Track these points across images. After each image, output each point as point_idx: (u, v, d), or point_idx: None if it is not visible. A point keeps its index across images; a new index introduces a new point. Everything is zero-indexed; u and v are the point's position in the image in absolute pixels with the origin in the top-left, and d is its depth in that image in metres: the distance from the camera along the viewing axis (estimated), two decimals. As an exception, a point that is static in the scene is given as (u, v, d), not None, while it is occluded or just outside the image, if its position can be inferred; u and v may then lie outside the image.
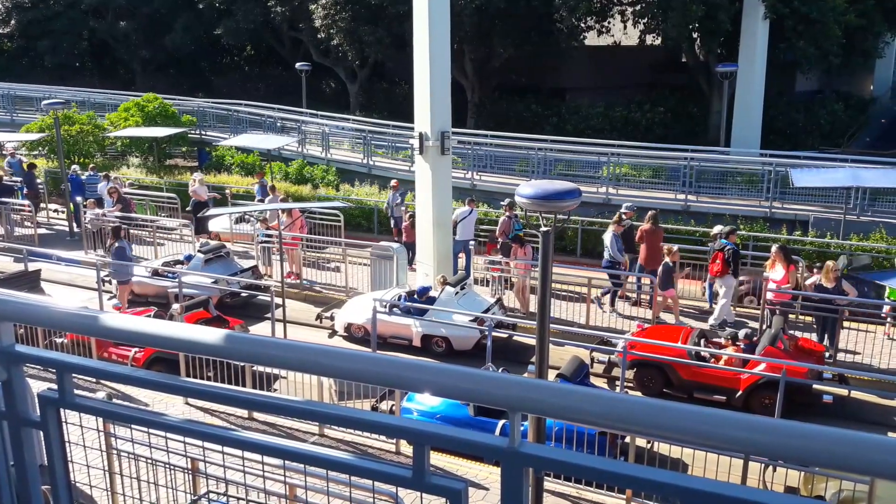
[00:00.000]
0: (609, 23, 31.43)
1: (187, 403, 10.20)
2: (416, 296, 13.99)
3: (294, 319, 14.32)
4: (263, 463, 2.05)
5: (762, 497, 1.40)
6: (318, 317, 14.79)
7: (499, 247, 16.80)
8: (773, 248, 13.89)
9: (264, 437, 1.69)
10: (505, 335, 13.28)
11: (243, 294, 15.25)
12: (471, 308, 13.55)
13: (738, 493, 1.42)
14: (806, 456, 1.42)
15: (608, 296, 14.97)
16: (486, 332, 11.50)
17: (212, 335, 1.74)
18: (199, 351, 1.83)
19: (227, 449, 2.43)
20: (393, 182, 20.13)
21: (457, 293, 13.75)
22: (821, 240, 17.36)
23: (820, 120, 29.04)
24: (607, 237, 15.16)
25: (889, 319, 13.76)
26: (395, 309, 13.68)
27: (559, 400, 1.48)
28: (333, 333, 14.43)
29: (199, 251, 16.02)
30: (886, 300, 13.69)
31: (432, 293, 13.96)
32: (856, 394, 11.43)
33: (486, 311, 13.48)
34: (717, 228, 15.32)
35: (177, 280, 14.49)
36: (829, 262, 13.17)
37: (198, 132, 30.09)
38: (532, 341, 13.31)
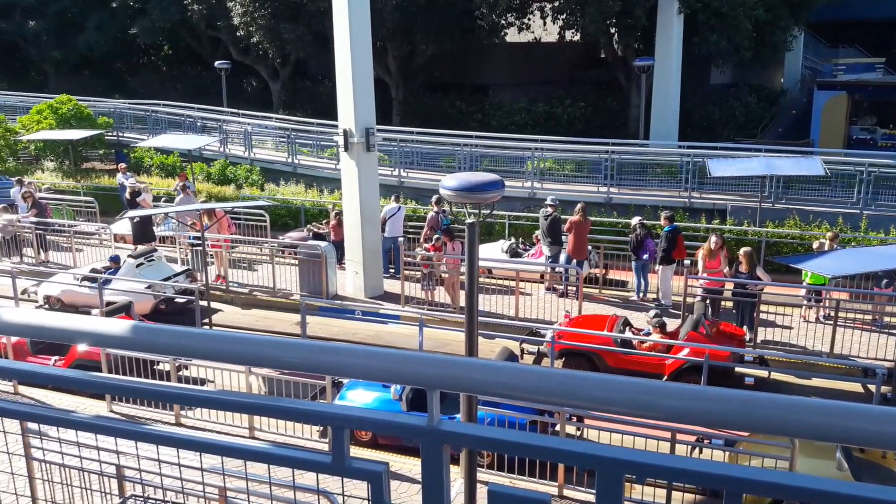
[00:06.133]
0: (529, 19, 31.80)
1: (112, 412, 9.89)
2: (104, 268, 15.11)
3: (221, 323, 14.06)
4: (181, 466, 2.00)
5: (682, 463, 1.46)
6: (25, 290, 15.26)
7: (427, 241, 16.83)
8: (713, 238, 14.21)
9: (182, 431, 1.66)
10: (183, 300, 14.81)
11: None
12: (154, 277, 14.76)
13: (659, 461, 1.47)
14: (737, 420, 1.48)
15: None
16: (161, 297, 13.92)
17: (139, 330, 1.68)
18: (126, 346, 1.74)
19: (151, 453, 2.37)
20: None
21: (139, 265, 14.93)
22: (738, 227, 18.04)
23: (735, 112, 30.12)
24: None
25: (805, 302, 14.39)
26: (85, 281, 14.74)
27: (477, 375, 1.51)
28: (40, 307, 14.93)
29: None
30: (803, 284, 14.31)
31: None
32: (775, 375, 11.93)
33: (168, 278, 14.93)
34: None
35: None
36: (745, 248, 13.70)
37: (115, 134, 29.10)
38: (216, 305, 14.57)
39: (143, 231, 17.83)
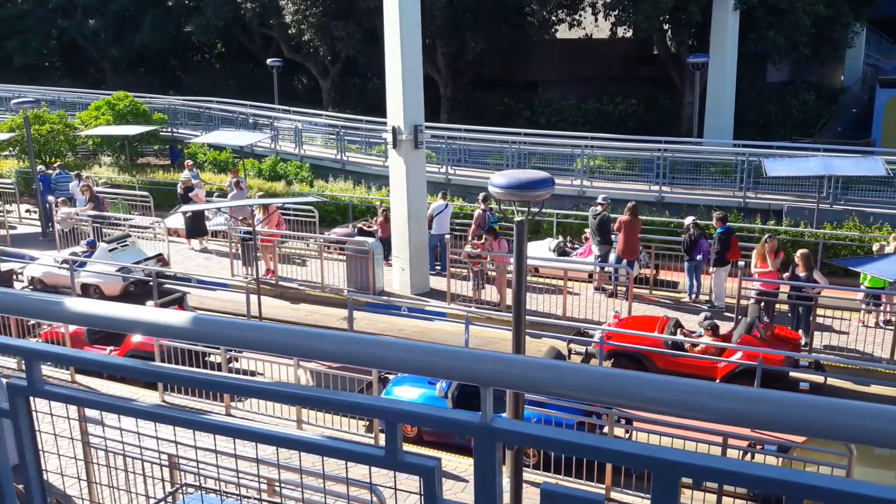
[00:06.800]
0: (580, 15, 31.53)
1: (163, 402, 10.11)
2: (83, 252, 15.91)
3: (271, 317, 14.28)
4: (237, 457, 2.02)
5: (740, 467, 1.42)
6: (13, 272, 16.17)
7: (476, 239, 16.79)
8: (767, 238, 13.84)
9: (237, 421, 1.68)
10: (157, 282, 15.54)
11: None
12: (126, 260, 15.56)
13: (718, 464, 1.43)
14: (787, 423, 1.43)
15: None
16: (129, 279, 15.01)
17: (191, 319, 1.69)
18: (183, 336, 1.77)
19: (203, 443, 2.41)
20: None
21: (112, 249, 15.80)
22: (795, 229, 17.57)
23: (792, 110, 29.36)
24: None
25: (863, 306, 13.94)
26: (64, 263, 15.86)
27: (531, 373, 1.49)
28: (25, 287, 15.85)
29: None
30: (861, 287, 13.87)
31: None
32: (832, 381, 11.59)
33: (139, 262, 15.82)
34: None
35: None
36: (802, 251, 13.33)
37: (169, 130, 29.77)
38: (186, 288, 14.96)
39: (196, 225, 18.24)
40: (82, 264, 15.62)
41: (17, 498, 1.95)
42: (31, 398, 1.84)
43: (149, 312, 1.80)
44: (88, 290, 15.63)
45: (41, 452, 1.89)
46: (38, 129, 25.41)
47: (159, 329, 1.77)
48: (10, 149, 26.71)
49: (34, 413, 1.86)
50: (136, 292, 15.55)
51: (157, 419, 1.73)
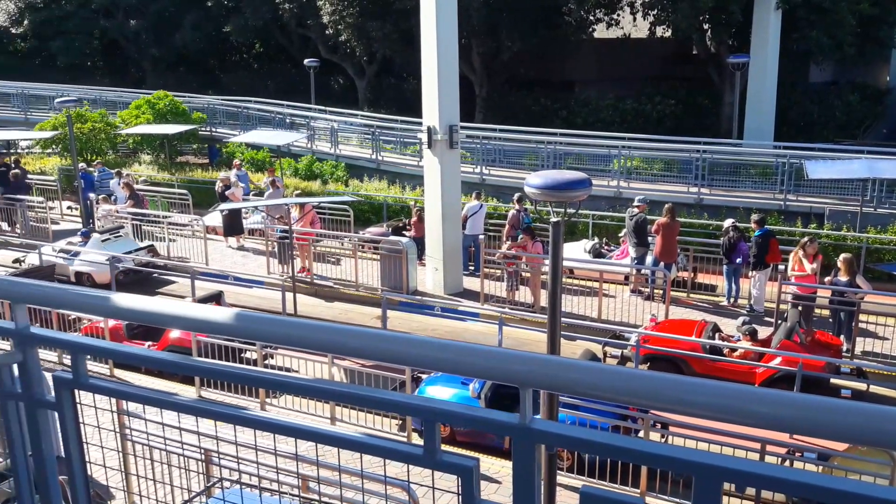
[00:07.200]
0: (618, 15, 31.26)
1: (200, 398, 10.25)
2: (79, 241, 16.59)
3: (307, 314, 14.40)
4: (276, 453, 2.04)
5: (783, 473, 1.39)
6: (17, 260, 17.17)
7: (509, 239, 16.74)
8: (805, 241, 13.54)
9: (276, 416, 1.69)
10: (146, 272, 16.60)
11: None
12: (117, 251, 16.16)
13: (762, 469, 1.40)
14: (830, 429, 1.40)
15: None
16: (119, 269, 15.60)
17: (238, 317, 1.71)
18: (224, 332, 1.77)
19: (239, 439, 2.43)
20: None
21: (105, 240, 16.39)
22: (837, 233, 17.20)
23: (835, 111, 28.75)
24: None
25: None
26: (62, 252, 16.65)
27: (571, 374, 1.47)
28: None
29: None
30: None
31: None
32: (874, 388, 11.32)
33: (130, 252, 16.43)
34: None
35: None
36: (844, 255, 13.03)
37: (208, 129, 30.17)
38: (173, 278, 15.58)
39: (232, 223, 18.44)
40: (77, 254, 16.25)
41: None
42: (76, 391, 1.88)
43: (194, 309, 1.82)
44: (81, 279, 16.28)
45: (85, 445, 1.92)
46: (81, 127, 25.95)
47: (205, 325, 1.79)
48: (54, 146, 27.32)
49: (79, 406, 1.89)
50: (125, 281, 16.07)
51: (199, 413, 1.75)
